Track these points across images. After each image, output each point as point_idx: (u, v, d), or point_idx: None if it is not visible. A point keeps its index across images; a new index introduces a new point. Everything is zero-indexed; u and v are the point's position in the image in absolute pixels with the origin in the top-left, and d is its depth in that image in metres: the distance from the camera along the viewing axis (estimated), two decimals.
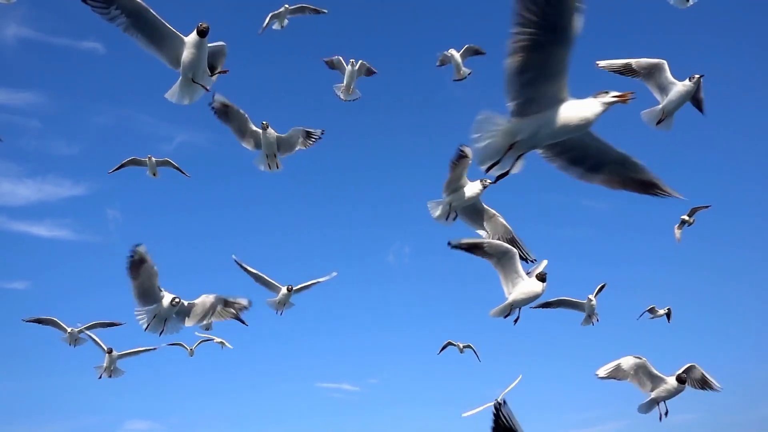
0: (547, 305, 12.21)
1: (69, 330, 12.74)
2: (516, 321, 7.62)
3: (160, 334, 8.22)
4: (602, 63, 8.10)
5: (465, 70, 12.88)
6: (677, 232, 14.63)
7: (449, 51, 12.70)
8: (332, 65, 12.07)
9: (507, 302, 7.30)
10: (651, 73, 7.81)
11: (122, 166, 12.37)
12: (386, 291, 24.46)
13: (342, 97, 12.00)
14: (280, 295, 10.78)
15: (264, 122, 8.80)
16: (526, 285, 7.23)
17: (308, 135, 9.09)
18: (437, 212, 7.89)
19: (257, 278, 10.79)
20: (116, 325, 12.62)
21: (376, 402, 23.10)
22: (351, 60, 11.81)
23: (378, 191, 26.58)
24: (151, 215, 24.58)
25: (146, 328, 8.03)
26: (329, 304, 21.10)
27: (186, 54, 6.40)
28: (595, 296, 12.90)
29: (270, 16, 12.50)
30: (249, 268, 10.61)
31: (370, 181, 25.81)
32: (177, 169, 12.27)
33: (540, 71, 3.90)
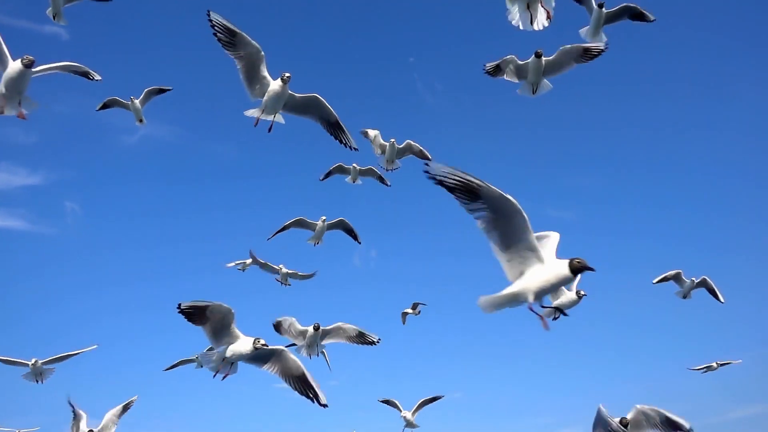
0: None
1: (32, 362, 11.39)
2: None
3: (224, 377, 7.39)
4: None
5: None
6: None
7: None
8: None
9: (508, 292, 4.56)
10: None
11: (105, 105, 11.77)
12: (352, 293, 23.65)
13: (386, 168, 11.87)
14: (308, 337, 9.74)
15: (287, 74, 7.47)
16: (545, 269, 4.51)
17: (338, 126, 8.10)
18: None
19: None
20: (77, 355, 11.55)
21: (336, 404, 21.84)
22: (392, 140, 11.38)
23: (344, 193, 25.74)
24: (112, 210, 23.99)
25: (216, 374, 7.31)
26: (291, 305, 19.95)
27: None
28: (413, 414, 12.51)
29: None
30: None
31: (335, 183, 24.85)
32: (160, 91, 11.70)
33: None
